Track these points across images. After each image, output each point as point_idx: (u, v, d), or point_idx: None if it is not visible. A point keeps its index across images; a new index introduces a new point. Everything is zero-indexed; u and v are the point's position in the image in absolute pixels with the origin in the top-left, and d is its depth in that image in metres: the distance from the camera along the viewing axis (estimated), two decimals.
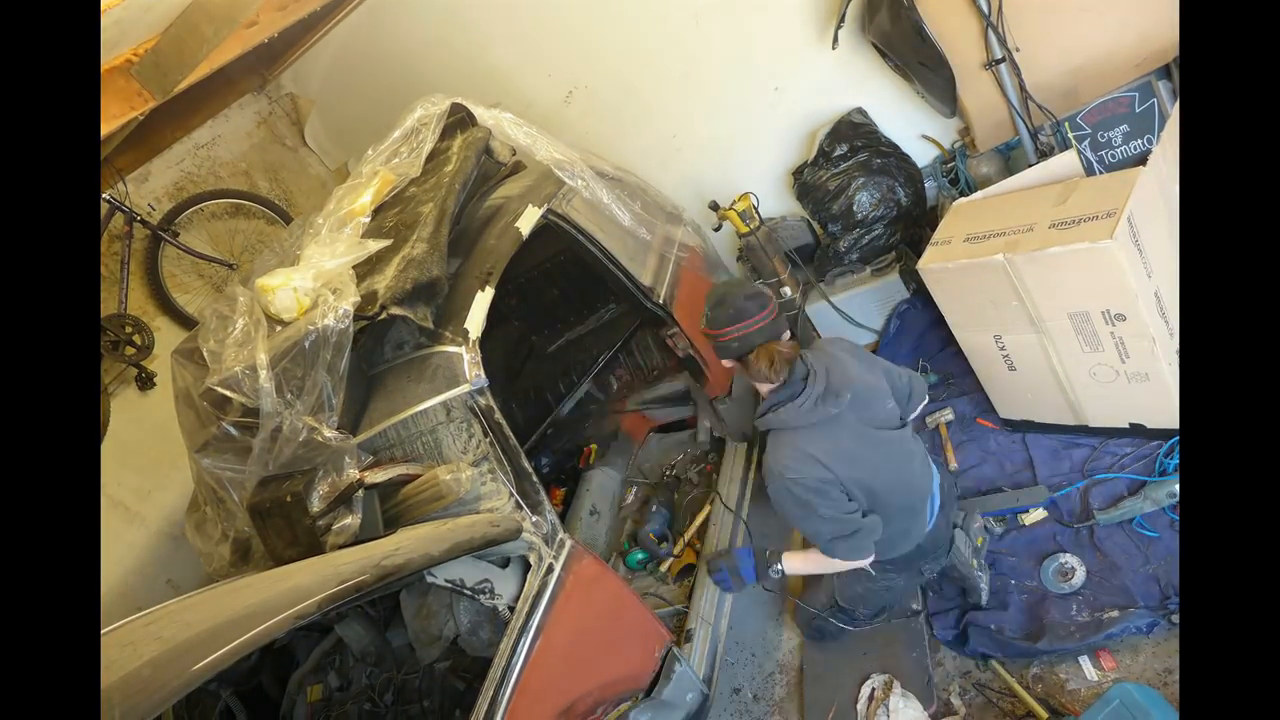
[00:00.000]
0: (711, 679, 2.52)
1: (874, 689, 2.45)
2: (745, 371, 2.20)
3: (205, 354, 2.18)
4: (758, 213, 3.63)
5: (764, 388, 2.20)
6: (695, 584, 2.71)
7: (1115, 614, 2.23)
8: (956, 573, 2.46)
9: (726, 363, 2.24)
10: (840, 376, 2.15)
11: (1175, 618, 2.13)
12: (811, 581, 2.70)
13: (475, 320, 2.18)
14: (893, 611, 2.61)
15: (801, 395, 2.09)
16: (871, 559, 2.22)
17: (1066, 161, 2.66)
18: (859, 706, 2.44)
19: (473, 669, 2.29)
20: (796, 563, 2.40)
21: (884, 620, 2.60)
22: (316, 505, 1.98)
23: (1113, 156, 3.03)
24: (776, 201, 3.98)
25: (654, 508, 3.16)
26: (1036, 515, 2.61)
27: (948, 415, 3.13)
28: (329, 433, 1.98)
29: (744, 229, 3.63)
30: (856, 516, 2.12)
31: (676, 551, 2.95)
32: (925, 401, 2.47)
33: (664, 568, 2.92)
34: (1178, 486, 2.36)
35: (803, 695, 2.64)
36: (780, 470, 2.09)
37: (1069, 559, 2.42)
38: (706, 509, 3.07)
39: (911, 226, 3.66)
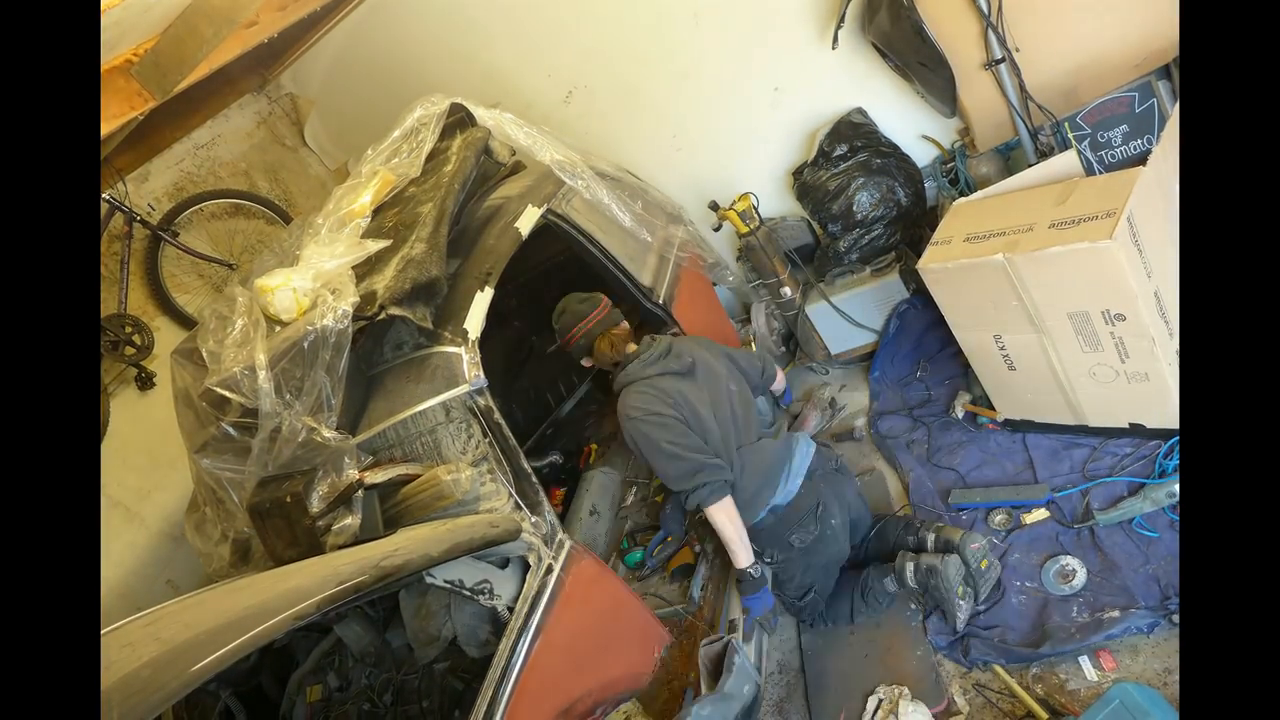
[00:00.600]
0: (761, 670, 2.52)
1: (880, 701, 2.42)
2: (598, 362, 2.55)
3: (204, 354, 2.18)
4: (758, 213, 3.63)
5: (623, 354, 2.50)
6: (730, 578, 2.69)
7: (1116, 614, 2.22)
8: (938, 593, 2.45)
9: (585, 362, 2.59)
10: (682, 348, 2.49)
11: (1175, 618, 2.13)
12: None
13: (474, 320, 2.18)
14: (819, 592, 2.64)
15: (645, 354, 2.44)
16: (728, 504, 2.34)
17: (1066, 161, 2.67)
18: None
19: (472, 669, 2.29)
20: (722, 528, 2.41)
21: (812, 599, 2.64)
22: (316, 506, 1.98)
23: (1112, 156, 3.03)
24: (776, 201, 3.98)
25: (668, 509, 3.12)
26: (1037, 515, 2.61)
27: (966, 397, 3.18)
28: (328, 433, 1.98)
29: (744, 229, 3.63)
30: (700, 456, 2.29)
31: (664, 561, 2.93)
32: (778, 380, 2.92)
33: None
34: (1177, 487, 2.36)
35: (807, 700, 2.64)
36: (625, 411, 2.35)
37: (1070, 561, 2.41)
38: None
39: (911, 226, 3.66)
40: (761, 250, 3.68)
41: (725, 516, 2.35)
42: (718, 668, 2.26)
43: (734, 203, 3.61)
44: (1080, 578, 2.37)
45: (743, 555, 2.42)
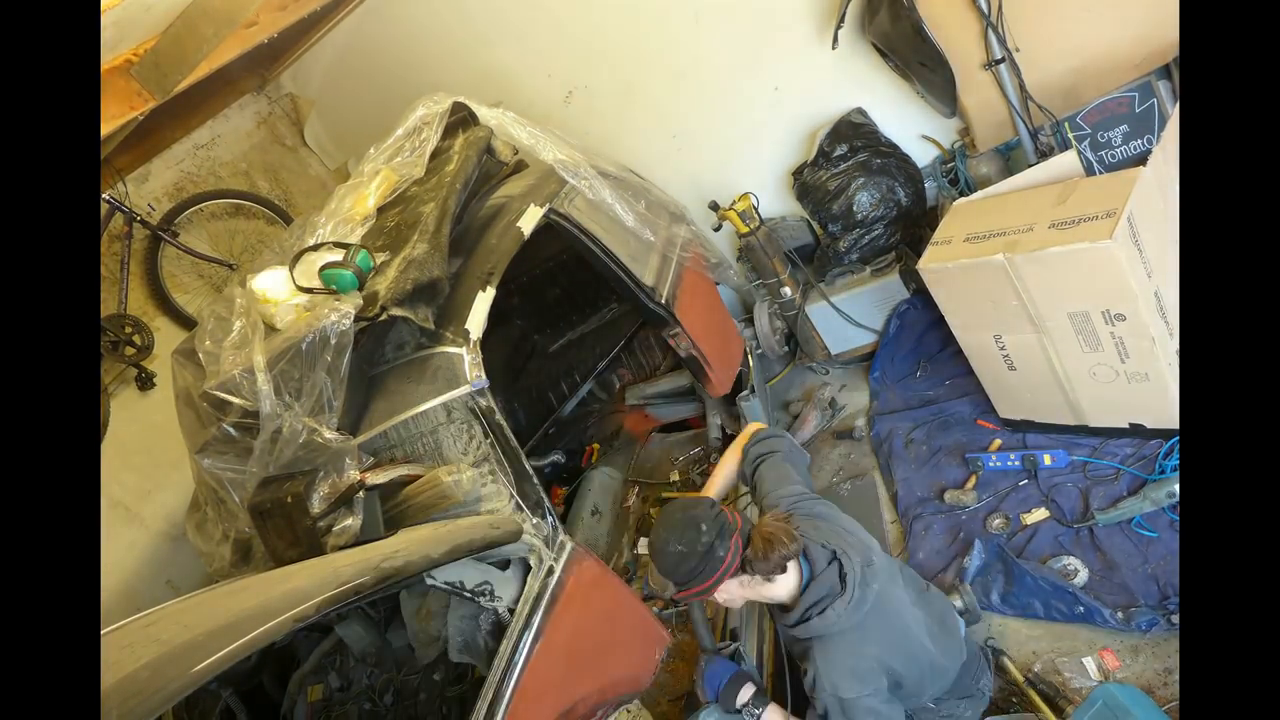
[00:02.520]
0: (762, 675, 2.49)
1: None
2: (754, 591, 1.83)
3: (202, 356, 2.18)
4: (758, 213, 3.63)
5: (782, 589, 1.82)
6: None
7: (1118, 612, 2.23)
8: None
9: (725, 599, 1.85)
10: (856, 544, 1.85)
11: (1174, 618, 2.14)
12: None
13: (476, 321, 2.18)
14: None
15: (848, 589, 1.75)
16: None
17: (1066, 161, 2.67)
18: None
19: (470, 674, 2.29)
20: None
21: None
22: (317, 506, 1.98)
23: (1113, 156, 3.02)
24: (776, 201, 3.98)
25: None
26: (1037, 515, 2.61)
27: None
28: (329, 434, 1.98)
29: (744, 229, 3.63)
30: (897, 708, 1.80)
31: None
32: None
33: None
34: (1177, 486, 2.36)
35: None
36: (840, 693, 1.72)
37: (1071, 561, 2.42)
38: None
39: (911, 226, 3.66)
40: (761, 250, 3.68)
41: None
42: None
43: (734, 203, 3.61)
44: (1082, 578, 2.37)
45: None
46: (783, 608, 1.87)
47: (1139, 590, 2.26)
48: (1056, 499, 2.63)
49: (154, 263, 3.93)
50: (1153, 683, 2.10)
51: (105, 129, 2.88)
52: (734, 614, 2.51)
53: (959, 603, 2.38)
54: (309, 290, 2.12)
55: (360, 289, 2.09)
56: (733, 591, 1.82)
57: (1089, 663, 2.20)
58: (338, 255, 2.16)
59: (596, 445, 3.92)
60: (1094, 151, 3.03)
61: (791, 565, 1.80)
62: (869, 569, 1.81)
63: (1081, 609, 2.27)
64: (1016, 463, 2.79)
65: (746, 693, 1.96)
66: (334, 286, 2.08)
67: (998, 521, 2.67)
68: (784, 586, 1.81)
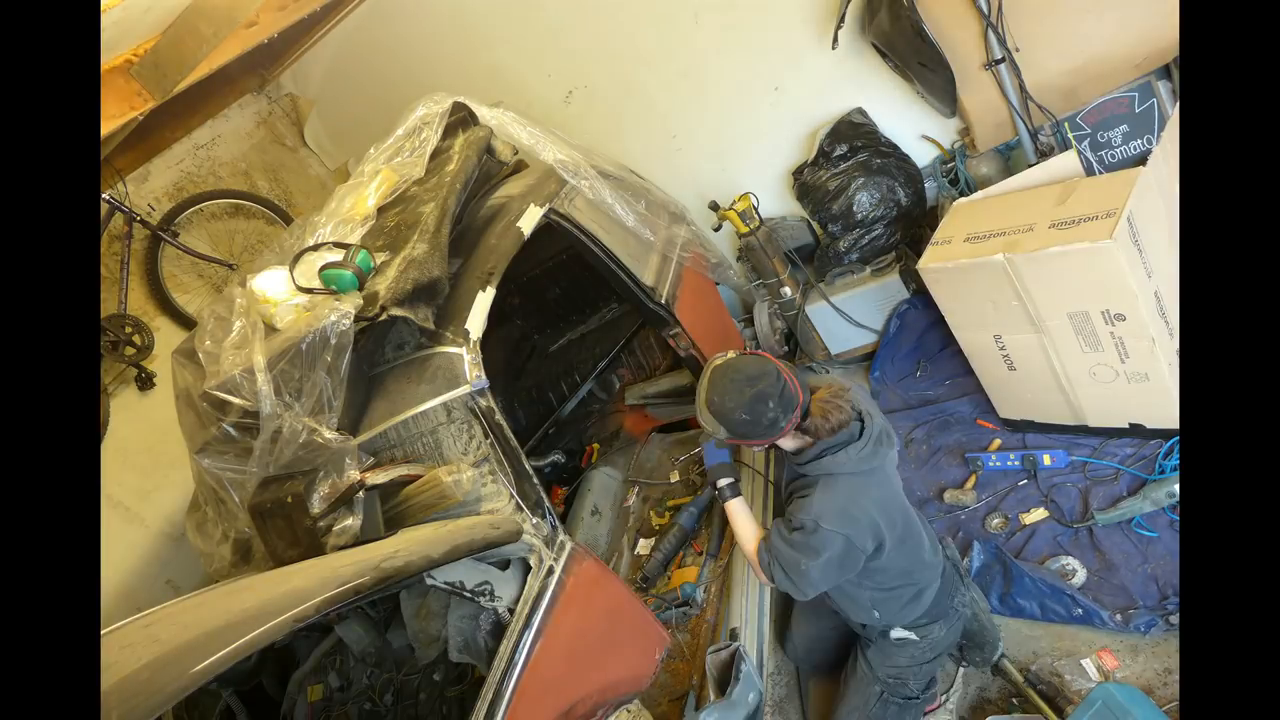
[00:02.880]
0: (763, 673, 2.49)
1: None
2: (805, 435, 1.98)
3: (202, 356, 2.18)
4: (758, 213, 3.63)
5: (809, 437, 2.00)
6: (732, 584, 2.68)
7: (1116, 614, 2.23)
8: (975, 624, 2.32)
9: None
10: (881, 420, 2.02)
11: (1173, 618, 2.14)
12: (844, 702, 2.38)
13: (476, 321, 2.18)
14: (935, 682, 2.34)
15: (862, 438, 1.93)
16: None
17: (1066, 162, 2.67)
18: None
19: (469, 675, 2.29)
20: (736, 522, 2.21)
21: (932, 695, 2.34)
22: (317, 506, 1.98)
23: (1112, 156, 3.03)
24: (777, 201, 3.98)
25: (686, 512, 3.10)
26: (1037, 515, 2.61)
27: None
28: (329, 434, 1.97)
29: (744, 229, 3.63)
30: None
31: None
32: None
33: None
34: (1177, 486, 2.36)
35: (802, 702, 2.64)
36: (817, 517, 1.89)
37: (1070, 561, 2.42)
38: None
39: (911, 226, 3.66)
40: (761, 250, 3.68)
41: (750, 555, 2.14)
42: (725, 675, 2.26)
43: (734, 203, 3.61)
44: (1080, 578, 2.37)
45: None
46: (796, 451, 2.02)
47: (1138, 591, 2.26)
48: (1056, 499, 2.63)
49: (154, 263, 3.93)
50: (1152, 683, 2.10)
51: (105, 129, 2.88)
52: (735, 614, 2.51)
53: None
54: (309, 290, 2.12)
55: (360, 289, 2.09)
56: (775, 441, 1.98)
57: (1088, 664, 2.20)
58: (338, 255, 2.16)
59: (596, 445, 3.92)
60: (1094, 151, 3.04)
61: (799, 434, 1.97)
62: (886, 436, 1.98)
63: (1080, 610, 2.27)
64: (1016, 463, 2.80)
65: (727, 479, 2.24)
66: (334, 287, 2.08)
67: (997, 521, 2.67)
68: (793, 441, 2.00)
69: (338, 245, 2.24)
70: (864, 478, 1.94)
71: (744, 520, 2.21)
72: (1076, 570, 2.39)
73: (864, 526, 1.92)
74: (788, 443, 2.01)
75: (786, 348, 4.02)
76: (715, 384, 1.93)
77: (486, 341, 2.18)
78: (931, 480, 2.99)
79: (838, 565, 1.94)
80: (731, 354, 2.00)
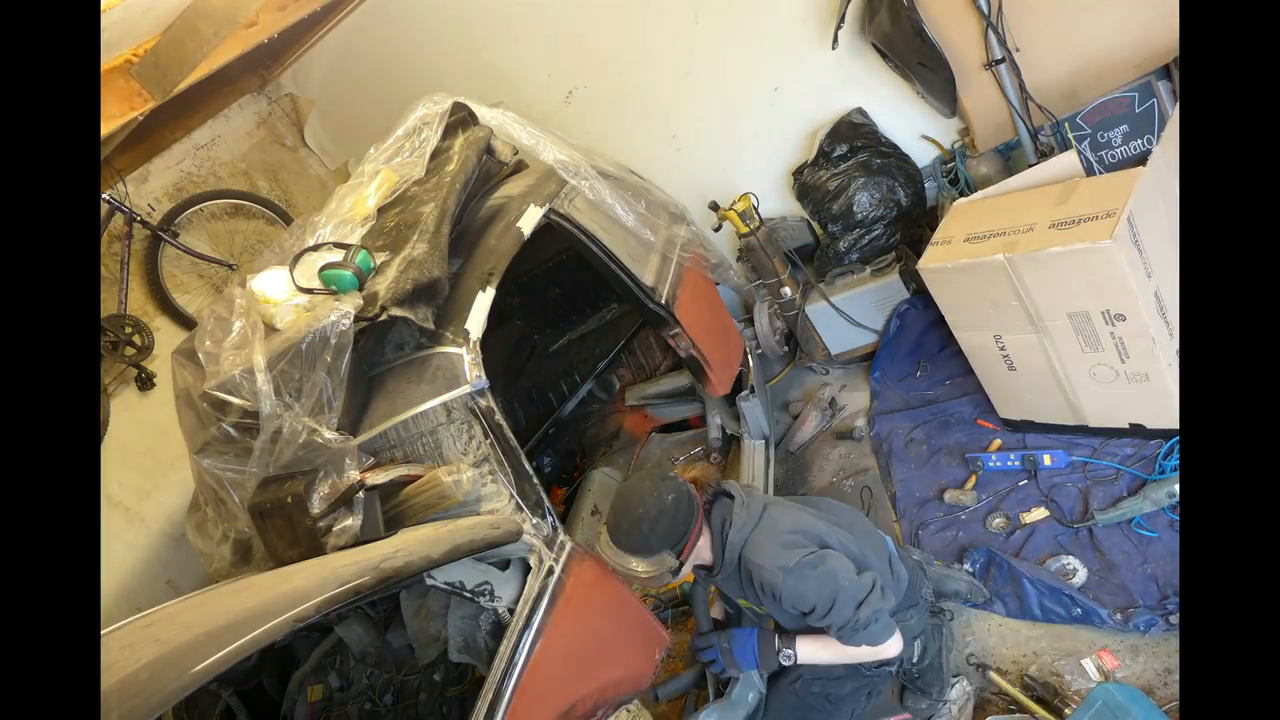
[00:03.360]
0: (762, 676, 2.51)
1: None
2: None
3: (202, 356, 2.18)
4: (758, 213, 3.63)
5: (706, 550, 2.09)
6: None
7: (1116, 613, 2.23)
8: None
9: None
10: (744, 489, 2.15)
11: (1172, 618, 2.14)
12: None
13: (476, 321, 2.18)
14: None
15: (736, 497, 2.07)
16: (901, 644, 2.01)
17: (1067, 161, 2.66)
18: None
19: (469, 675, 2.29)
20: (812, 649, 2.10)
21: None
22: (317, 506, 1.98)
23: (1112, 156, 3.03)
24: (777, 201, 3.98)
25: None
26: (1037, 514, 2.61)
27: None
28: (329, 434, 1.97)
29: (744, 229, 3.63)
30: (866, 575, 1.95)
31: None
32: None
33: None
34: (1177, 486, 2.36)
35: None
36: (783, 564, 1.91)
37: (1070, 560, 2.42)
38: None
39: (911, 226, 3.66)
40: (761, 250, 3.68)
41: (868, 654, 2.04)
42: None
43: (734, 203, 3.61)
44: (1080, 577, 2.37)
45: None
46: (709, 569, 2.11)
47: (1138, 590, 2.26)
48: (1056, 499, 2.63)
49: (154, 263, 3.94)
50: (1153, 683, 2.10)
51: (105, 129, 2.89)
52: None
53: (960, 586, 2.40)
54: (309, 291, 2.12)
55: (360, 289, 2.09)
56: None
57: (1088, 664, 2.20)
58: (338, 256, 2.16)
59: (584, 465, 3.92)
60: (1094, 151, 3.04)
61: (705, 530, 2.06)
62: (749, 490, 2.10)
63: (1079, 610, 2.27)
64: (1016, 463, 2.79)
65: (773, 639, 2.14)
66: (334, 287, 2.08)
67: (998, 521, 2.67)
68: (706, 547, 2.07)
69: (338, 245, 2.24)
70: (766, 520, 2.03)
71: (817, 646, 2.11)
72: (1077, 570, 2.39)
73: (805, 540, 1.98)
74: (707, 546, 2.07)
75: (786, 348, 4.02)
76: (625, 510, 2.01)
77: (486, 341, 2.18)
78: (932, 480, 2.99)
79: (843, 562, 1.95)
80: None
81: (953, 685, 2.33)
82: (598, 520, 3.34)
